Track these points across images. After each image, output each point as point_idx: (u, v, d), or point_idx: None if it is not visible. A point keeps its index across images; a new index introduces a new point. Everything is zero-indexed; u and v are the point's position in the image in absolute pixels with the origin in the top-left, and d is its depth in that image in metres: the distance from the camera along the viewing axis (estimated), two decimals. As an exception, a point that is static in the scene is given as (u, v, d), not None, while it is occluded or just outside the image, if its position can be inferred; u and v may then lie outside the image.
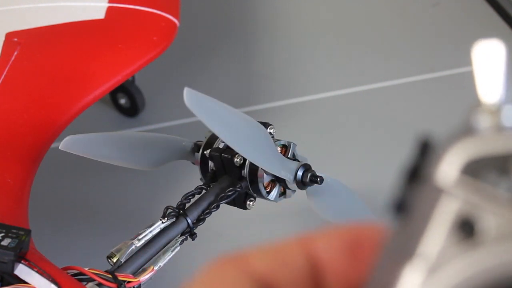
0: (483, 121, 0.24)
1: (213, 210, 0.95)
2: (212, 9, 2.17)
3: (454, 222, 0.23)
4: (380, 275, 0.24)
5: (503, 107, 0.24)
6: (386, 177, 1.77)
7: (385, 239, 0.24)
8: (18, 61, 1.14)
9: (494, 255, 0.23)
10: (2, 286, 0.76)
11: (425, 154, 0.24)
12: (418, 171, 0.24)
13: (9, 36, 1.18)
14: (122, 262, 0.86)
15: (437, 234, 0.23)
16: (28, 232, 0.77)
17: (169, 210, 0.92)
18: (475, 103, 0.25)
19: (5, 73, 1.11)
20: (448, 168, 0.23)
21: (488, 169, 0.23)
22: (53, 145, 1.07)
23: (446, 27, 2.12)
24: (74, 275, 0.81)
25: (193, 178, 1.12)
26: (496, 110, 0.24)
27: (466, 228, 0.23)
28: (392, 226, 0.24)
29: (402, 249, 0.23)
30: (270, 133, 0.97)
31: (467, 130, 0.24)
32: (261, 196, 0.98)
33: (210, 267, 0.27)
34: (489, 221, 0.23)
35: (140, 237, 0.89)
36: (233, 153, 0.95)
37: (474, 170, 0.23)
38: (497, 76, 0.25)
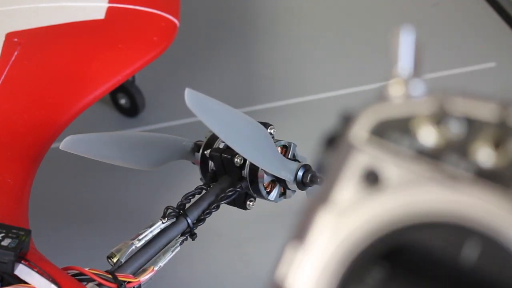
0: (394, 91, 0.29)
1: (213, 210, 0.95)
2: (212, 9, 2.17)
3: (361, 173, 0.27)
4: (302, 222, 0.28)
5: (410, 80, 0.30)
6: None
7: (310, 194, 0.28)
8: (18, 61, 1.14)
9: (394, 199, 0.27)
10: (2, 286, 0.76)
11: (344, 124, 0.29)
12: (336, 138, 0.29)
13: (9, 36, 1.18)
14: (122, 262, 0.86)
15: (346, 183, 0.28)
16: (28, 232, 0.77)
17: (169, 210, 0.92)
18: (389, 76, 0.30)
19: (5, 73, 1.11)
20: (359, 129, 0.28)
21: (394, 130, 0.28)
22: (54, 145, 1.07)
23: (446, 27, 2.12)
24: (74, 275, 0.81)
25: (193, 178, 1.12)
26: (404, 82, 0.29)
27: (371, 178, 0.27)
28: (317, 184, 0.28)
29: (320, 199, 0.28)
30: (271, 133, 0.97)
31: (379, 99, 0.29)
32: (261, 196, 0.98)
33: None
34: (391, 171, 0.27)
35: (140, 237, 0.88)
36: (233, 153, 0.95)
37: (382, 130, 0.28)
38: (407, 55, 0.31)
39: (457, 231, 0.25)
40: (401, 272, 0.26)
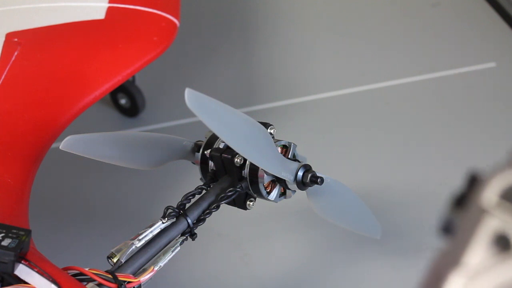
0: None
1: (213, 210, 0.95)
2: (213, 9, 2.17)
3: (492, 237, 0.28)
4: (433, 279, 0.29)
5: None
6: (386, 177, 1.77)
7: (437, 252, 0.29)
8: (18, 61, 1.14)
9: None
10: (2, 286, 0.76)
11: (472, 185, 0.30)
12: (465, 198, 0.30)
13: (9, 36, 1.18)
14: (123, 262, 0.86)
15: (477, 246, 0.28)
16: (28, 232, 0.77)
17: (169, 210, 0.92)
18: None
19: (5, 73, 1.11)
20: (490, 193, 0.28)
21: None
22: (54, 145, 1.07)
23: (446, 27, 2.12)
24: (74, 275, 0.80)
25: (193, 178, 1.12)
26: None
27: (502, 243, 0.28)
28: (443, 242, 0.29)
29: (450, 260, 0.28)
30: (271, 133, 0.97)
31: (510, 164, 0.30)
32: (261, 196, 0.98)
33: None
34: None
35: (140, 237, 0.88)
36: (234, 154, 0.95)
37: None
38: None
39: None
40: None
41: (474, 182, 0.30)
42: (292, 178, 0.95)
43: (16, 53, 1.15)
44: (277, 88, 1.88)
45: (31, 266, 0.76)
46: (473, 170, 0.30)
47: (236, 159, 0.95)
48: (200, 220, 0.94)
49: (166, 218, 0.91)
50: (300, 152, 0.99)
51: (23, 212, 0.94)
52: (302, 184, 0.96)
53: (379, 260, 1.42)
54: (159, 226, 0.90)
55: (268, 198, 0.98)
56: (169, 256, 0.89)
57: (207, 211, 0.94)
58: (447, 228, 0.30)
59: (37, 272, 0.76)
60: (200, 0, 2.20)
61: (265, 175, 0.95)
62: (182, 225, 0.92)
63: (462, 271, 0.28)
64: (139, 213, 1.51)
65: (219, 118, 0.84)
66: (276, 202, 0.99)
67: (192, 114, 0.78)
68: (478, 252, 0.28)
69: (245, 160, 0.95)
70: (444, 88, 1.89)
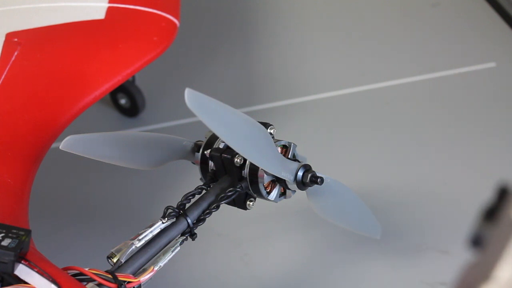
0: None
1: (213, 210, 0.95)
2: (213, 9, 2.17)
3: None
4: None
5: None
6: (386, 177, 1.77)
7: (466, 264, 0.29)
8: (18, 61, 1.14)
9: None
10: (2, 286, 0.76)
11: (502, 198, 0.29)
12: (495, 211, 0.29)
13: (9, 36, 1.18)
14: (122, 262, 0.86)
15: (509, 260, 0.28)
16: (28, 232, 0.77)
17: (169, 210, 0.92)
18: None
19: (5, 73, 1.11)
20: None
21: None
22: (54, 145, 1.07)
23: (446, 27, 2.12)
24: (74, 275, 0.80)
25: (193, 178, 1.12)
26: None
27: None
28: (472, 254, 0.29)
29: (480, 273, 0.28)
30: (271, 133, 0.97)
31: None
32: (261, 196, 0.98)
33: None
34: None
35: (140, 237, 0.88)
36: (234, 154, 0.95)
37: None
38: None
39: None
40: None
41: (504, 195, 0.29)
42: (292, 178, 0.95)
43: (16, 53, 1.15)
44: (277, 88, 1.88)
45: (31, 266, 0.76)
46: (504, 182, 0.30)
47: (236, 159, 0.95)
48: (200, 220, 0.94)
49: (166, 218, 0.91)
50: (300, 152, 0.99)
51: (23, 212, 0.94)
52: (302, 184, 0.96)
53: (379, 260, 1.42)
54: (159, 226, 0.90)
55: (268, 198, 0.98)
56: (169, 256, 0.89)
57: (207, 211, 0.94)
58: (477, 241, 0.29)
59: (37, 272, 0.76)
60: (200, 0, 2.20)
61: (265, 175, 0.95)
62: (182, 225, 0.92)
63: (492, 284, 0.28)
64: (139, 213, 1.51)
65: (219, 118, 0.84)
66: (276, 202, 0.99)
67: (192, 114, 0.78)
68: (509, 265, 0.28)
69: (245, 160, 0.95)
70: (444, 88, 1.89)
